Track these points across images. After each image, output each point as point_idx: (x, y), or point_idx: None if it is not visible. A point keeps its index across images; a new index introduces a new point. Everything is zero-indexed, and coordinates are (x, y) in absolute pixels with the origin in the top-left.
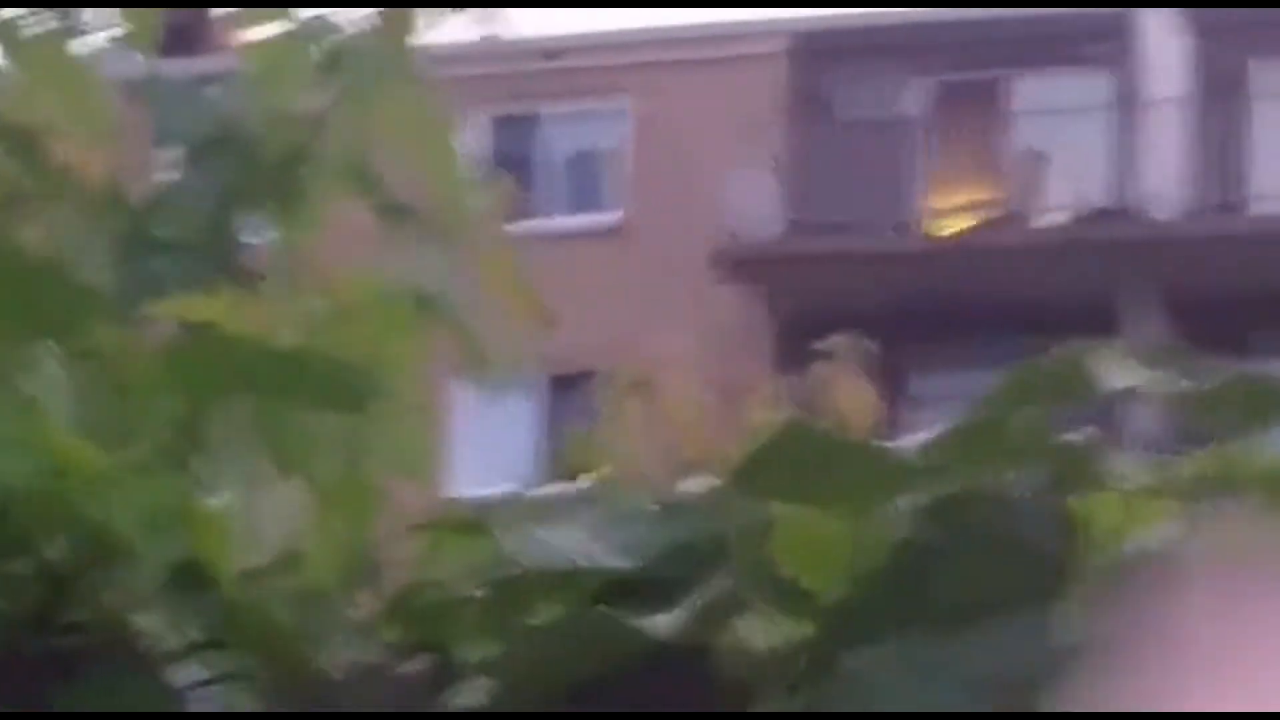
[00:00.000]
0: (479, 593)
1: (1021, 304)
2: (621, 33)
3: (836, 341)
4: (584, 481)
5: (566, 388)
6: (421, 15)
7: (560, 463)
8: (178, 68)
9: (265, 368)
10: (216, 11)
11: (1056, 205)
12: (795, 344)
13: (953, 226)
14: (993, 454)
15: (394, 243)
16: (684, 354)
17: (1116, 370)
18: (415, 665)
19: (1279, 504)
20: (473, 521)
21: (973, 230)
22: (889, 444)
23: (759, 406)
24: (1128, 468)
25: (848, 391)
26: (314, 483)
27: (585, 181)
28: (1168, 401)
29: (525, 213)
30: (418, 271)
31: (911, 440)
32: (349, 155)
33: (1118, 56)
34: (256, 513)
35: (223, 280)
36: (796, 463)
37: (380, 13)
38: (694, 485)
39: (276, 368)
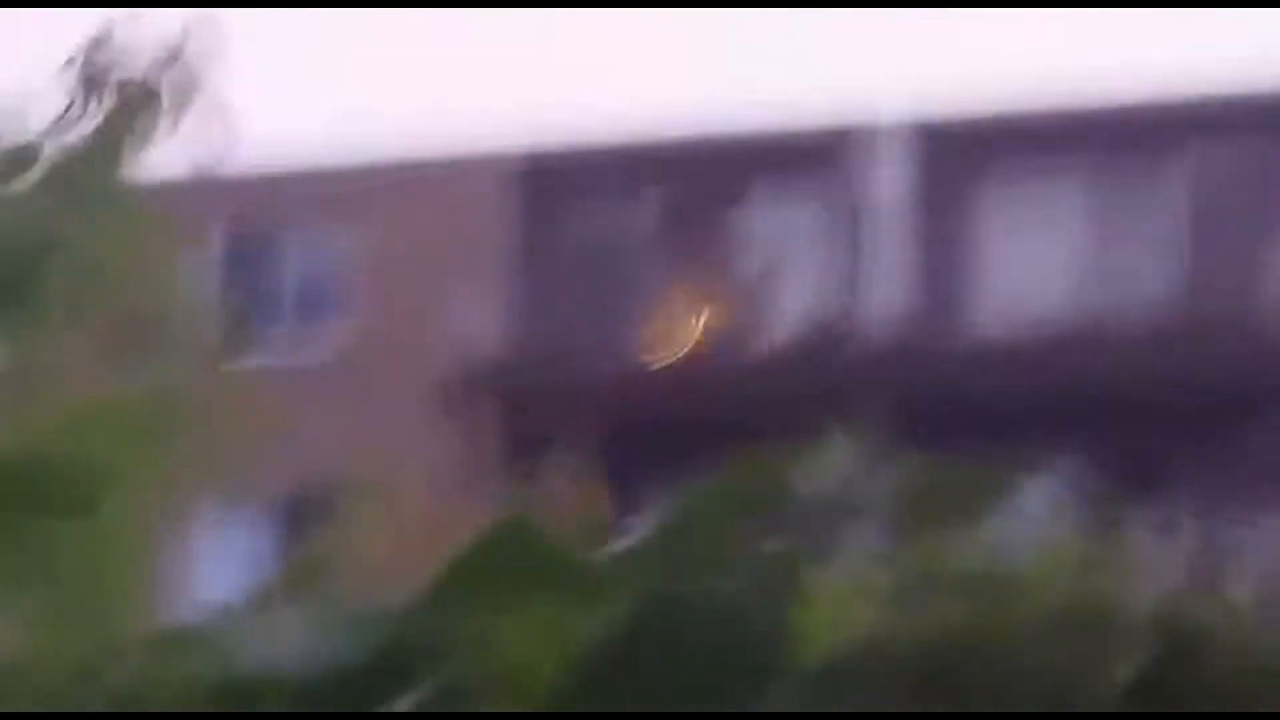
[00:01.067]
0: (202, 694)
1: (752, 423)
2: (350, 159)
3: (562, 458)
4: (312, 594)
5: (296, 510)
6: (150, 136)
7: (289, 577)
8: None
9: None
10: None
11: (785, 324)
12: (525, 467)
13: (683, 348)
14: (697, 559)
15: (127, 358)
16: (414, 477)
17: (821, 472)
18: None
19: (969, 603)
20: (197, 629)
21: (702, 351)
22: (595, 550)
23: (485, 524)
24: (830, 571)
25: (574, 505)
26: (46, 593)
27: (314, 307)
28: (870, 502)
29: (254, 339)
30: (151, 386)
31: (618, 545)
32: (82, 272)
33: (844, 176)
34: None
35: None
36: (502, 567)
37: (104, 131)
38: (410, 590)
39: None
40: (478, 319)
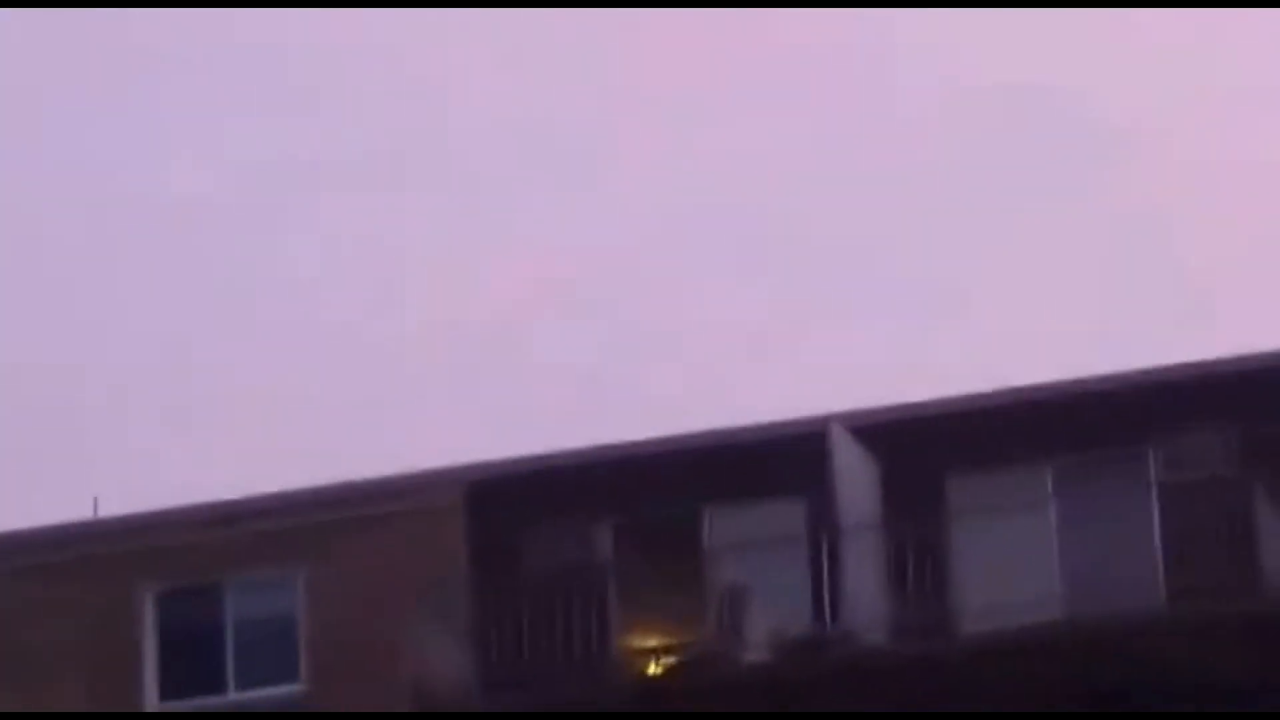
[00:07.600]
0: None
1: None
2: (294, 493)
3: None
4: None
5: None
6: None
7: None
8: None
9: None
10: None
11: (758, 639)
12: None
13: (652, 669)
14: None
15: None
16: None
17: None
18: None
19: None
20: None
21: (673, 672)
22: None
23: None
24: None
25: None
26: None
27: (266, 652)
28: None
29: (205, 688)
30: None
31: None
32: None
33: (811, 483)
34: None
35: None
36: None
37: None
38: None
39: None
40: (438, 652)
